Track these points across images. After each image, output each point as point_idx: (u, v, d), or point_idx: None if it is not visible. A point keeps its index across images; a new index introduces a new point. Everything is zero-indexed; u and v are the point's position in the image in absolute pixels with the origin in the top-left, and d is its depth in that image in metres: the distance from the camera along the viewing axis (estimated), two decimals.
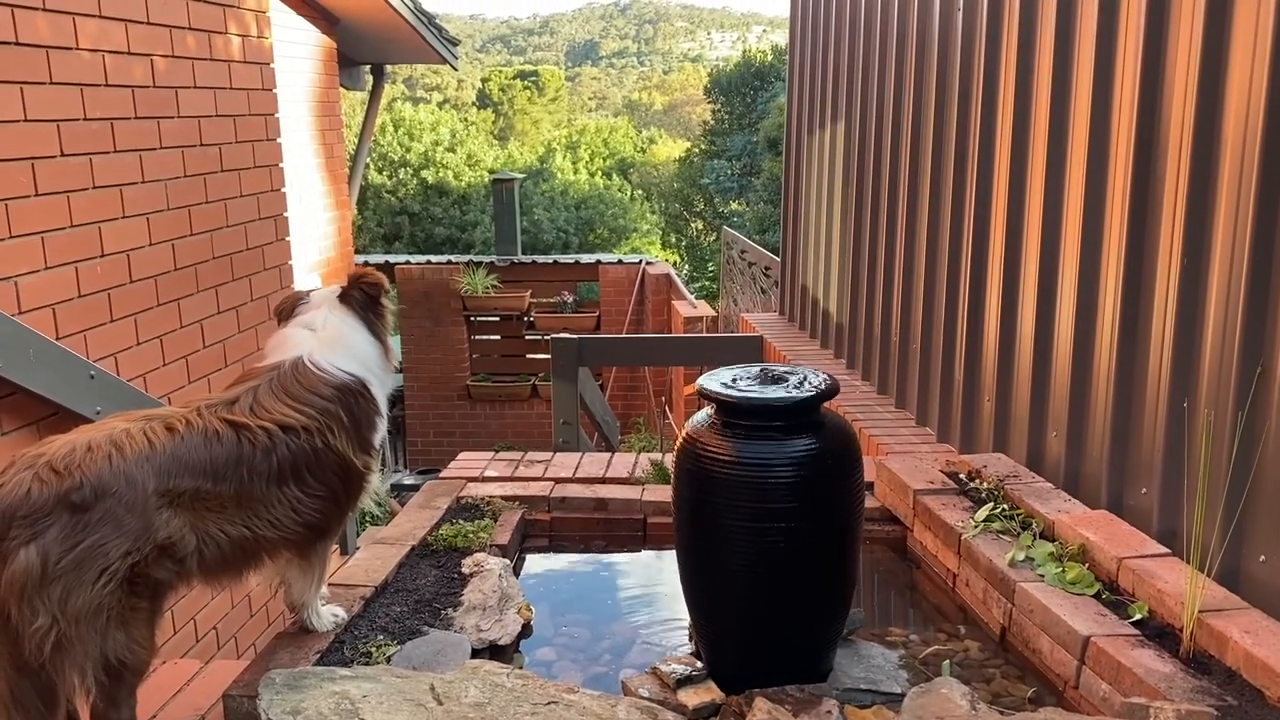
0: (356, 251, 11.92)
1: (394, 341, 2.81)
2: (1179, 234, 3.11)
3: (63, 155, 3.63)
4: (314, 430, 2.43)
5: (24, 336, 3.35)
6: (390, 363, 2.76)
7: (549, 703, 2.42)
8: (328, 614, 2.84)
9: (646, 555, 3.88)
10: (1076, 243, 3.64)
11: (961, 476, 3.76)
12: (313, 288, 2.79)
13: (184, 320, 4.37)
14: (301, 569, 2.65)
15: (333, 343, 2.58)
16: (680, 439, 2.83)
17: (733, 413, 2.70)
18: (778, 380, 2.78)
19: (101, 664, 2.14)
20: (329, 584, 3.02)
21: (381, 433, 2.66)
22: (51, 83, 3.58)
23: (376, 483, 2.69)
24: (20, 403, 3.39)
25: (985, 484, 3.60)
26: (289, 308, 2.71)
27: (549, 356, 6.90)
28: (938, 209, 4.86)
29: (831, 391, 2.73)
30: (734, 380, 2.79)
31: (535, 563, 3.83)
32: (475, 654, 2.82)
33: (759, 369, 2.85)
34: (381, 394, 2.68)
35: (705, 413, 2.83)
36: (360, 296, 2.68)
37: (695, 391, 2.83)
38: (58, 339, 3.56)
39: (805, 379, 2.78)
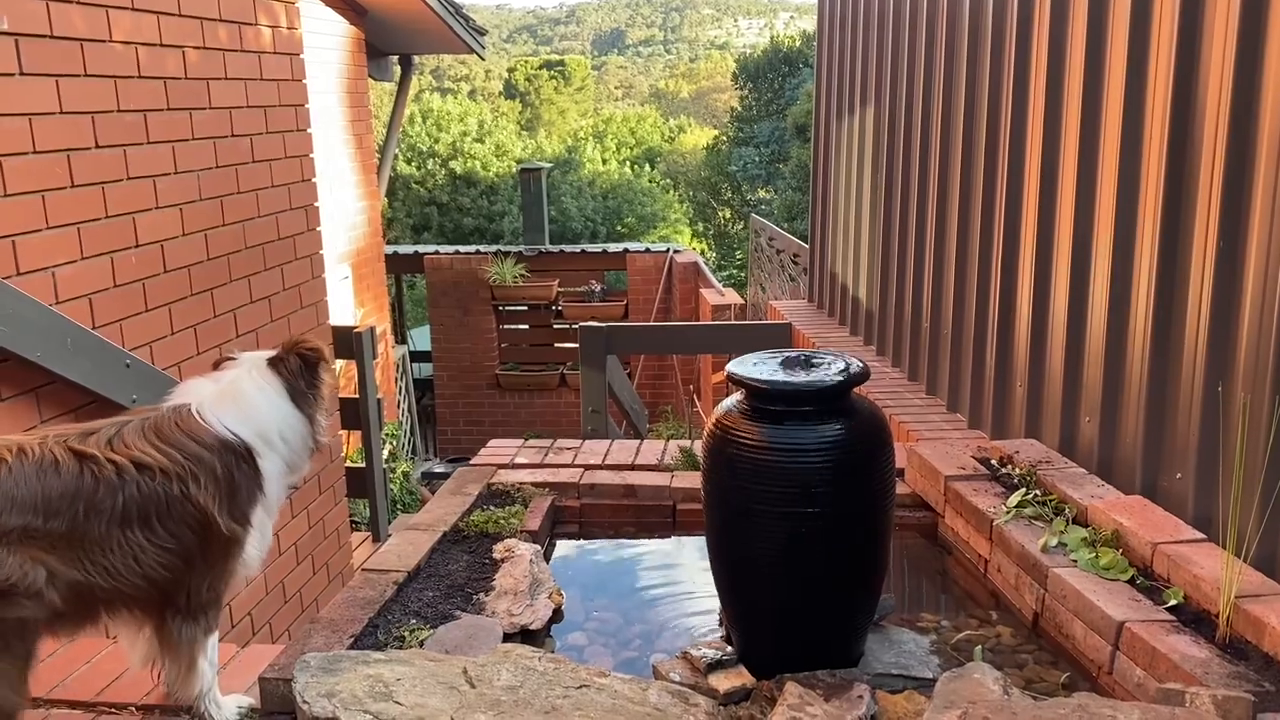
0: (386, 242, 12.00)
1: (323, 418, 2.53)
2: (1215, 216, 3.06)
3: (98, 147, 3.67)
4: (173, 475, 2.16)
5: (62, 326, 3.40)
6: (310, 440, 2.48)
7: (580, 686, 2.43)
8: (230, 705, 2.48)
9: (676, 541, 3.89)
10: (1110, 226, 3.60)
11: (993, 462, 3.73)
12: (250, 353, 2.59)
13: (217, 310, 4.41)
14: (164, 648, 2.31)
15: (229, 399, 2.34)
16: (710, 424, 2.83)
17: (763, 398, 2.70)
18: (808, 365, 2.77)
19: None
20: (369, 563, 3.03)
21: (264, 509, 2.36)
22: (86, 75, 3.62)
23: (253, 554, 2.36)
24: (58, 391, 3.44)
25: (1017, 470, 3.58)
26: (216, 364, 2.56)
27: (577, 345, 6.92)
28: (969, 193, 4.82)
29: (862, 376, 2.72)
30: (764, 365, 2.79)
31: (565, 548, 3.85)
32: (507, 638, 2.84)
33: (789, 354, 2.84)
34: (274, 468, 2.36)
35: (735, 398, 2.83)
36: (293, 363, 2.46)
37: (724, 379, 2.83)
38: (94, 328, 3.60)
39: (835, 364, 2.77)
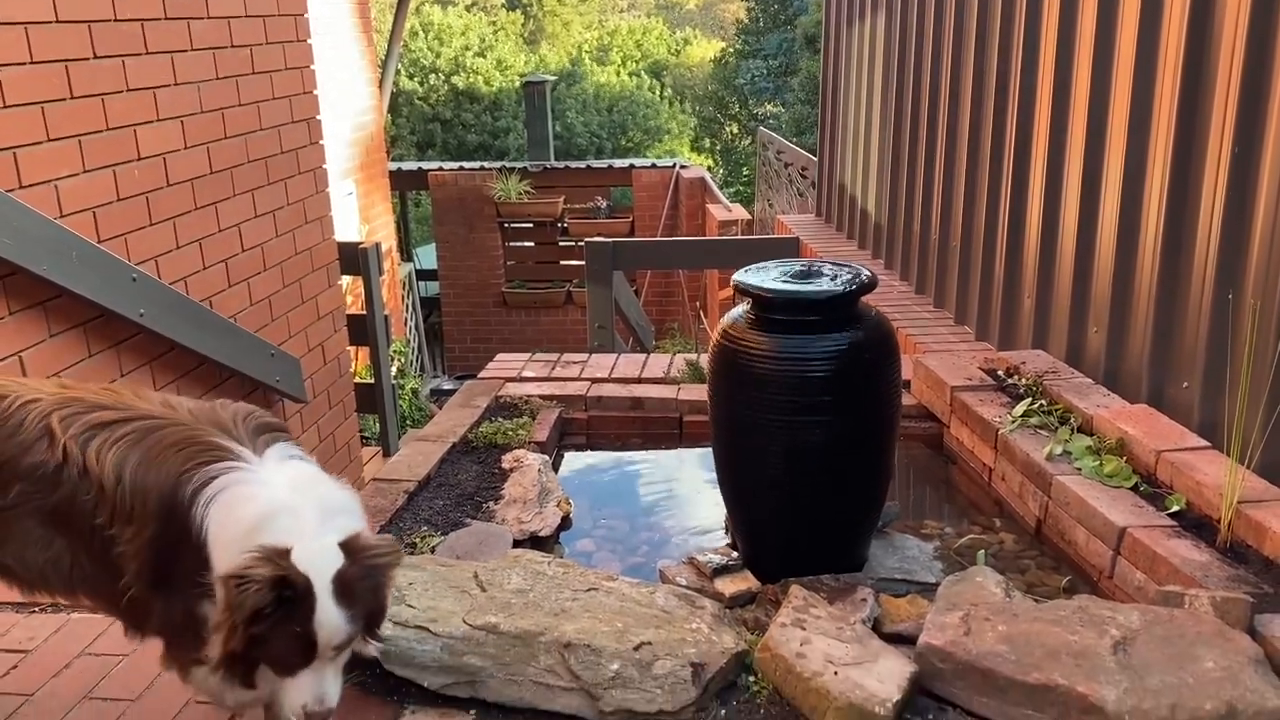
0: (390, 159, 11.88)
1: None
2: (1231, 122, 3.01)
3: (95, 57, 3.61)
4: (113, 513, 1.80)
5: (67, 240, 3.39)
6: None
7: (589, 589, 2.48)
8: None
9: (683, 453, 3.93)
10: (1123, 134, 3.54)
11: (1000, 373, 3.74)
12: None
13: (222, 224, 4.39)
14: None
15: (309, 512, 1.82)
16: (716, 335, 2.83)
17: (769, 307, 2.70)
18: (815, 274, 2.76)
19: None
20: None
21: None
22: None
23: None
24: (66, 306, 3.45)
25: (1024, 380, 3.59)
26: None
27: (583, 262, 6.88)
28: (981, 102, 4.74)
29: (869, 285, 2.71)
30: (771, 275, 2.78)
31: (573, 460, 3.89)
32: (516, 545, 2.88)
33: (796, 263, 2.83)
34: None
35: (742, 308, 2.82)
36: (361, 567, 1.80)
37: (730, 295, 2.81)
38: (99, 242, 3.59)
39: (843, 273, 2.76)
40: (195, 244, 4.20)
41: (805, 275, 2.75)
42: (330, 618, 1.73)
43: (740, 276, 2.77)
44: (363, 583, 1.77)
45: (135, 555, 1.79)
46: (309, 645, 1.73)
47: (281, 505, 1.79)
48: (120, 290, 3.62)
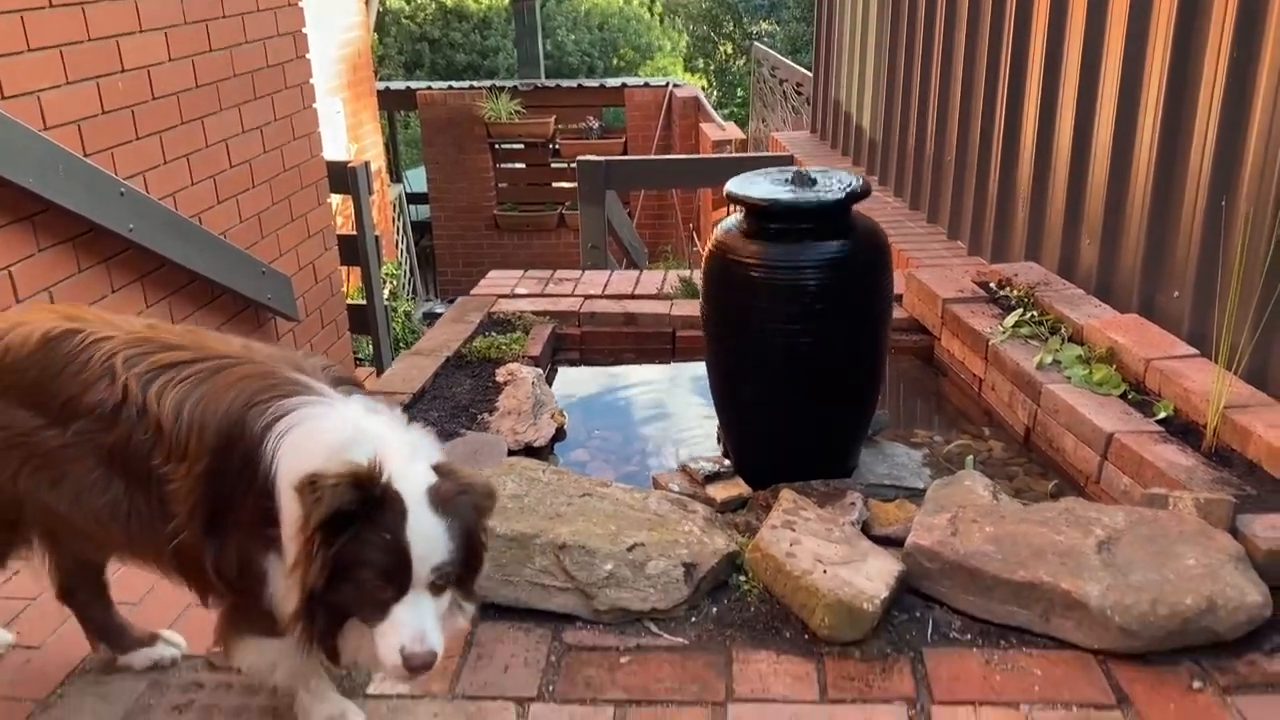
0: (378, 79, 11.68)
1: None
2: (1230, 24, 2.97)
3: None
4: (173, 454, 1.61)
5: (52, 153, 3.35)
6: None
7: (583, 495, 2.51)
8: None
9: (676, 367, 3.95)
10: (1120, 39, 3.49)
11: (992, 285, 3.75)
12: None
13: (209, 139, 4.33)
14: None
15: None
16: (709, 244, 2.82)
17: (763, 216, 2.69)
18: (808, 182, 2.74)
19: None
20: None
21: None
22: None
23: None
24: (54, 220, 3.42)
25: (1015, 291, 3.59)
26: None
27: (575, 184, 6.81)
28: (977, 14, 4.66)
29: (863, 193, 2.70)
30: (765, 183, 2.76)
31: (567, 374, 3.91)
32: (511, 454, 2.91)
33: (790, 171, 2.81)
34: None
35: (735, 218, 2.81)
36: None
37: (725, 214, 2.80)
38: (85, 156, 3.55)
39: (836, 181, 2.75)
40: (182, 159, 4.15)
41: (798, 183, 2.73)
42: (426, 526, 1.48)
43: (733, 185, 2.75)
44: (461, 498, 1.54)
45: (187, 493, 1.59)
46: (402, 564, 1.47)
47: (366, 433, 1.56)
48: (108, 205, 3.58)
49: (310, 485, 1.43)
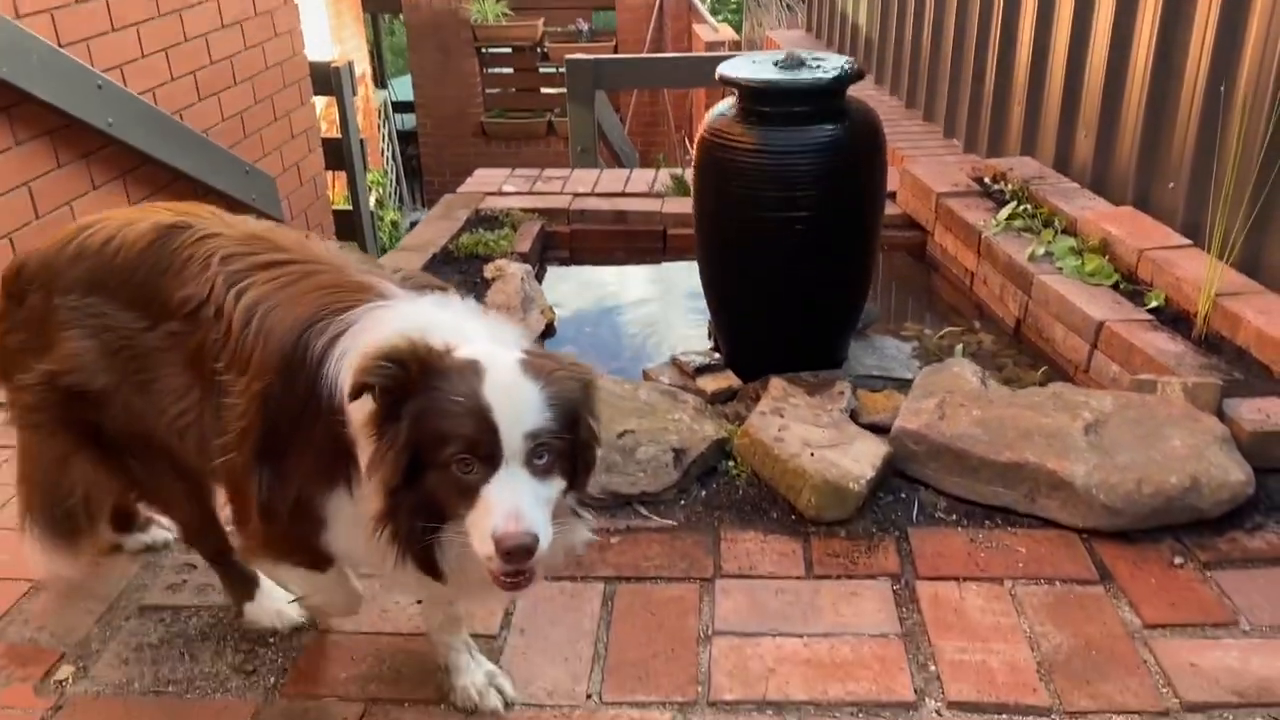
0: None
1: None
2: None
3: None
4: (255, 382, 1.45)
5: (26, 42, 3.25)
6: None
7: None
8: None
9: (667, 266, 3.91)
10: None
11: (986, 180, 3.70)
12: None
13: (188, 33, 4.21)
14: None
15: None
16: (701, 131, 2.77)
17: (756, 98, 2.64)
18: (800, 65, 2.68)
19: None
20: None
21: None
22: None
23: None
24: (30, 112, 3.34)
25: (1010, 185, 3.55)
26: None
27: (564, 89, 6.67)
28: None
29: (856, 75, 2.65)
30: (757, 65, 2.70)
31: (556, 273, 3.88)
32: None
33: (782, 54, 2.74)
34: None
35: (727, 103, 2.76)
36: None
37: (718, 80, 2.73)
38: (60, 46, 3.45)
39: (830, 62, 2.69)
40: (161, 53, 4.05)
41: (791, 65, 2.67)
42: (513, 388, 1.28)
43: (726, 68, 2.69)
44: (559, 374, 1.32)
45: (242, 412, 1.44)
46: (485, 430, 1.25)
47: (436, 321, 1.38)
48: (85, 97, 3.50)
49: (359, 369, 1.28)
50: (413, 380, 1.28)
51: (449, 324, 1.39)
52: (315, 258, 1.54)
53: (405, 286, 1.51)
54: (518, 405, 1.27)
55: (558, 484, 1.33)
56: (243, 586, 1.87)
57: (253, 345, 1.44)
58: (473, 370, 1.29)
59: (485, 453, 1.26)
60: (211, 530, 1.81)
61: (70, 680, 1.76)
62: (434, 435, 1.27)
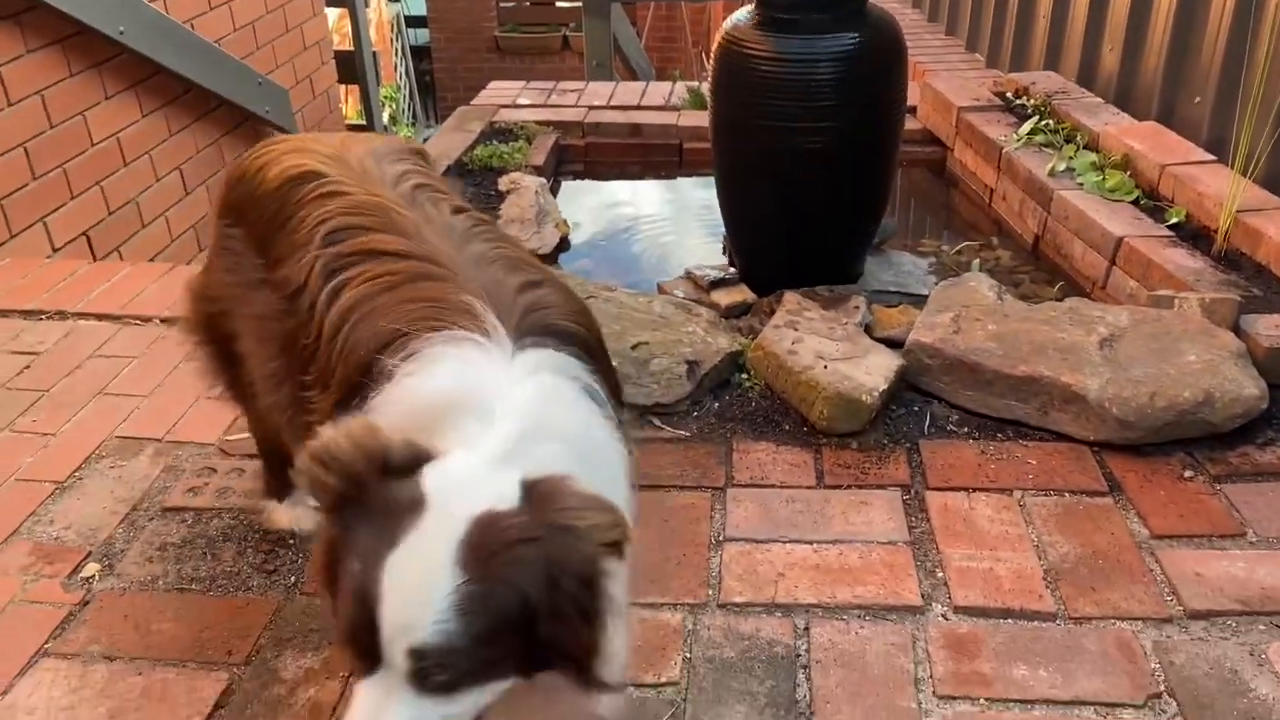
0: None
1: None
2: None
3: None
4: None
5: None
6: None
7: (588, 298, 2.50)
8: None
9: (683, 180, 3.88)
10: None
11: (1008, 95, 3.64)
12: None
13: None
14: None
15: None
16: (719, 38, 2.72)
17: (775, 5, 2.58)
18: None
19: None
20: None
21: None
22: None
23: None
24: (41, 19, 3.30)
25: (1032, 100, 3.49)
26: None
27: (580, 3, 6.54)
28: None
29: None
30: None
31: (571, 187, 3.86)
32: None
33: None
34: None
35: (746, 9, 2.70)
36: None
37: None
38: None
39: None
40: None
41: None
42: (425, 565, 0.94)
43: None
44: (523, 550, 0.96)
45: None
46: (363, 624, 0.95)
47: (476, 395, 1.10)
48: (95, 3, 3.45)
49: (303, 456, 1.01)
50: (345, 496, 0.99)
51: (483, 412, 1.08)
52: (428, 255, 1.31)
53: (523, 323, 1.21)
54: (411, 605, 0.93)
55: (479, 697, 0.98)
56: (280, 491, 1.91)
57: (337, 360, 1.27)
58: (408, 513, 0.96)
59: (362, 649, 0.96)
60: (278, 454, 1.68)
61: (97, 577, 1.80)
62: (339, 590, 0.99)
